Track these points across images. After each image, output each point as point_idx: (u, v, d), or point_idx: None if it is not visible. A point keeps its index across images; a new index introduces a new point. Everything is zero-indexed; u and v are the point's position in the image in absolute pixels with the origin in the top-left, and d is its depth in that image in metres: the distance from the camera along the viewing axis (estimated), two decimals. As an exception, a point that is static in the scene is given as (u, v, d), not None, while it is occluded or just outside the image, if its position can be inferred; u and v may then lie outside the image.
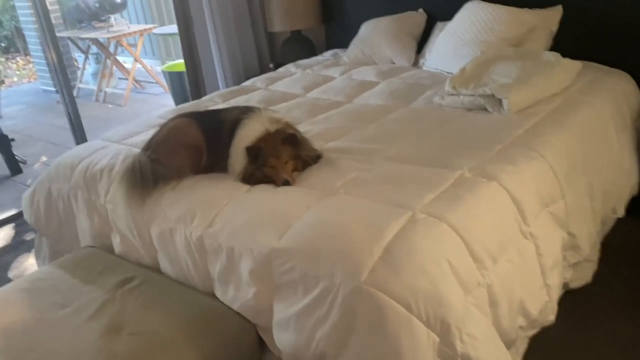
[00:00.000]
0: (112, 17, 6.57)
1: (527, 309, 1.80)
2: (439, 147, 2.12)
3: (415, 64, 3.37)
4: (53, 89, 7.43)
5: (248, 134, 2.06)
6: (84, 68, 7.10)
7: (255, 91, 3.22)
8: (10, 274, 2.96)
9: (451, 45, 3.03)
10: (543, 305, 1.89)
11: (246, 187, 2.01)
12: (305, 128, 2.50)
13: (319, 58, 3.81)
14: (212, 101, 3.09)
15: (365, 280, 1.49)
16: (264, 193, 1.94)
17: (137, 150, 2.31)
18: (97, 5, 6.49)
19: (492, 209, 1.79)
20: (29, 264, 3.04)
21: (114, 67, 6.75)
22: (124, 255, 2.21)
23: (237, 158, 2.06)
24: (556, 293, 1.97)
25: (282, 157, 2.01)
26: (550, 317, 1.94)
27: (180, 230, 1.94)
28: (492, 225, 1.75)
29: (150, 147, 2.20)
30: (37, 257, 2.78)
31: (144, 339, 1.65)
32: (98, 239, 2.35)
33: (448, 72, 3.01)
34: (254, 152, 2.01)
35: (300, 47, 4.08)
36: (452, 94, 2.52)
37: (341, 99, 2.91)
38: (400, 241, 1.57)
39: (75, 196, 2.42)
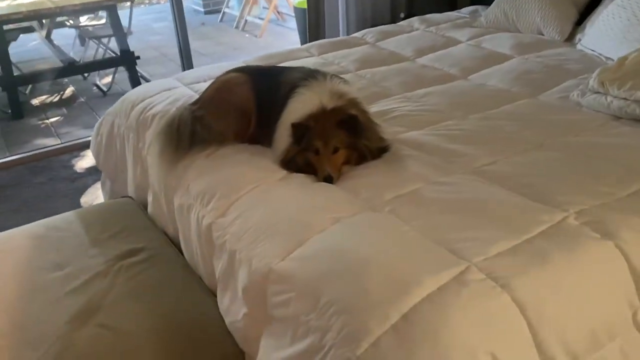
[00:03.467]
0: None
1: None
2: (550, 168, 1.53)
3: (570, 39, 2.62)
4: (202, 9, 7.50)
5: (299, 106, 1.64)
6: (231, -7, 7.01)
7: (360, 46, 2.74)
8: (82, 199, 2.93)
9: (620, 23, 2.26)
10: None
11: (283, 173, 1.62)
12: (391, 105, 2.02)
13: (452, 14, 3.18)
14: (307, 52, 2.69)
15: (361, 355, 1.05)
16: (296, 186, 1.54)
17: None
18: None
19: (595, 281, 1.21)
20: (104, 192, 2.98)
21: (259, -4, 6.55)
22: (154, 217, 1.97)
23: (283, 134, 1.66)
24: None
25: (331, 143, 1.57)
26: None
27: (195, 210, 1.63)
28: (587, 306, 1.18)
29: (199, 102, 1.89)
30: (103, 189, 2.68)
31: (109, 337, 1.39)
32: (138, 191, 2.13)
33: (607, 58, 2.27)
34: (300, 131, 1.59)
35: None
36: (597, 92, 1.84)
37: (455, 72, 2.33)
38: (430, 308, 1.09)
39: (128, 138, 2.21)
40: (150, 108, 2.15)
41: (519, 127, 1.79)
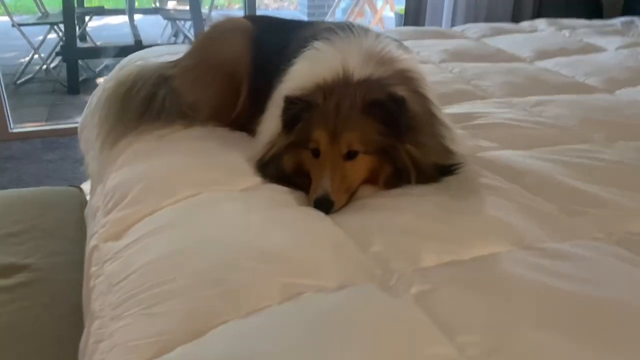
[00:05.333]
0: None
1: None
2: None
3: None
4: (306, 18, 7.08)
5: (307, 69, 0.92)
6: (337, 2, 6.49)
7: (454, 39, 1.96)
8: (83, 186, 2.38)
9: None
10: None
11: (253, 180, 0.89)
12: (482, 108, 1.23)
13: (597, 22, 2.31)
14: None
15: None
16: (259, 206, 0.80)
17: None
18: None
19: None
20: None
21: (366, 6, 5.93)
22: (87, 217, 1.31)
23: (272, 116, 0.94)
24: None
25: (346, 139, 0.83)
26: None
27: (97, 218, 0.94)
28: None
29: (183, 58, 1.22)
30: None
31: None
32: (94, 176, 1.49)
33: None
34: (294, 109, 0.87)
35: (579, 3, 2.61)
36: None
37: (594, 83, 1.50)
38: None
39: (102, 108, 1.59)
40: (136, 70, 1.51)
41: None
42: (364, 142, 0.84)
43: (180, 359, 0.54)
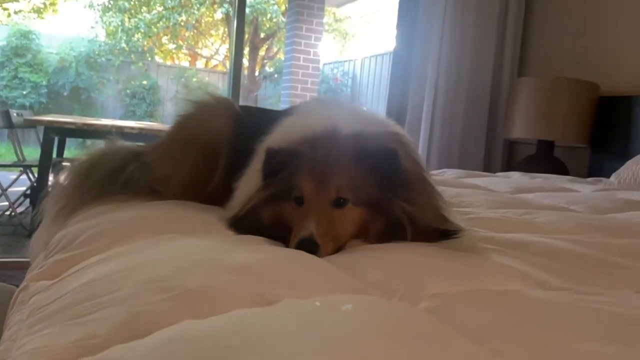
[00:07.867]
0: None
1: None
2: None
3: None
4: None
5: (293, 124, 0.87)
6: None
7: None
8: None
9: None
10: None
11: (226, 232, 0.77)
12: (467, 210, 1.17)
13: (566, 177, 2.37)
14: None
15: None
16: (230, 241, 0.67)
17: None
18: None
19: None
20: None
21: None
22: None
23: (250, 178, 0.86)
24: None
25: (334, 184, 0.74)
26: None
27: (37, 265, 0.79)
28: None
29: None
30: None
31: None
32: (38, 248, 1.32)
33: None
34: (277, 158, 0.79)
35: (546, 168, 2.71)
36: None
37: (580, 209, 1.46)
38: None
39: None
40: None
41: None
42: (354, 190, 0.74)
43: (115, 353, 0.38)
